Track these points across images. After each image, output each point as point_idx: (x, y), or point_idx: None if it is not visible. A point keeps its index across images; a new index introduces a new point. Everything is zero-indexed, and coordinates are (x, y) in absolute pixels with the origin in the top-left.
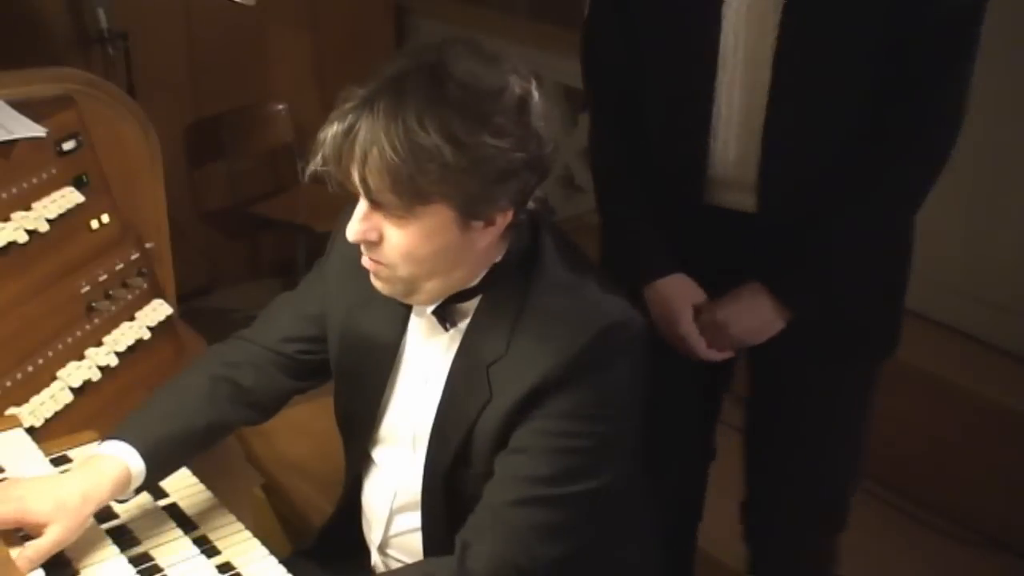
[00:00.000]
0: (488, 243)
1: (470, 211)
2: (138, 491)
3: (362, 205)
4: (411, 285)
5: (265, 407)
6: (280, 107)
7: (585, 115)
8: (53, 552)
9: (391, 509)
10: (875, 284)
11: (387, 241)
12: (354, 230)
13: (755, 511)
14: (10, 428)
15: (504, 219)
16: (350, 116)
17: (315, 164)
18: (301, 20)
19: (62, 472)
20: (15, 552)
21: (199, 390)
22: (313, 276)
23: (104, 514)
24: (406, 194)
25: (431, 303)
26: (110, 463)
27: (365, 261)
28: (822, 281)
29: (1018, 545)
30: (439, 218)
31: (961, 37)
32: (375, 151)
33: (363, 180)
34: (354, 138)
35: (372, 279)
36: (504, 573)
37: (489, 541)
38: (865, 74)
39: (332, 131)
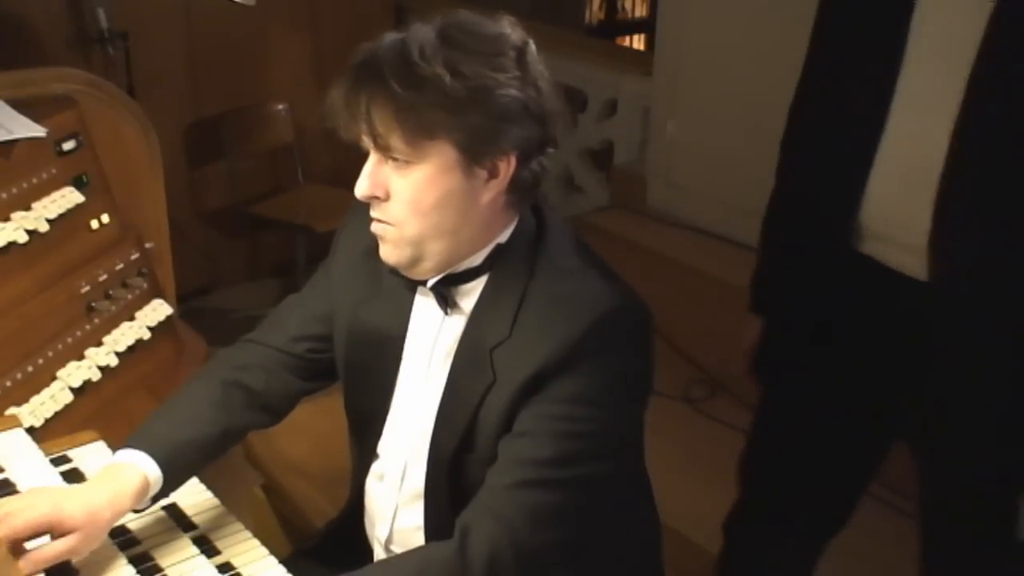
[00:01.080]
0: (492, 199)
1: (473, 150)
2: (153, 500)
3: (370, 161)
4: (418, 247)
5: (276, 410)
6: (280, 107)
7: (584, 115)
8: (60, 559)
9: (397, 502)
10: None
11: (394, 196)
12: (362, 186)
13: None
14: (10, 428)
15: (507, 169)
16: (356, 67)
17: (326, 117)
18: (301, 20)
19: (63, 472)
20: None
21: (212, 397)
22: (319, 276)
23: None
24: (410, 129)
25: (436, 272)
26: (130, 472)
27: (374, 226)
28: None
29: None
30: (443, 159)
31: None
32: (380, 88)
33: (369, 120)
34: (360, 81)
35: (380, 247)
36: (504, 555)
37: (489, 523)
38: None
39: (341, 83)
